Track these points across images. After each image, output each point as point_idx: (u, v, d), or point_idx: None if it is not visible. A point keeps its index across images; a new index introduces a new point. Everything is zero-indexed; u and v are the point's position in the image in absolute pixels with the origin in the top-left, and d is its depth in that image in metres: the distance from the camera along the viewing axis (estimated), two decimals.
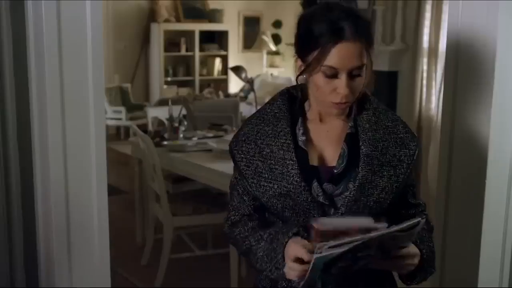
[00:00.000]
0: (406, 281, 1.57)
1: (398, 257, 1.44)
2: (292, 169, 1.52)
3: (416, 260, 1.48)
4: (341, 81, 1.45)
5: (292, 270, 1.41)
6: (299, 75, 1.54)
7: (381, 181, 1.53)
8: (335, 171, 1.54)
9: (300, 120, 1.59)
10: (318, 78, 1.47)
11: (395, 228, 1.32)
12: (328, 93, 1.48)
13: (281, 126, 1.57)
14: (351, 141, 1.56)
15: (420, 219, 1.34)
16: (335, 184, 1.54)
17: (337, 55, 1.43)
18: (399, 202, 1.61)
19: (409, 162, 1.57)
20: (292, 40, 1.56)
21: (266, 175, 1.55)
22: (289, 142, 1.54)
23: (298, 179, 1.51)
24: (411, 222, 1.33)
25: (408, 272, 1.51)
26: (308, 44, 1.48)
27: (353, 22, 1.44)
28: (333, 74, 1.45)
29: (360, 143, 1.54)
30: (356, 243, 1.28)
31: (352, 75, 1.46)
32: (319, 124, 1.59)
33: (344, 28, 1.43)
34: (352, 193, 1.51)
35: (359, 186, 1.51)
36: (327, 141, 1.58)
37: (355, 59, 1.44)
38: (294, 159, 1.53)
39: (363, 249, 1.32)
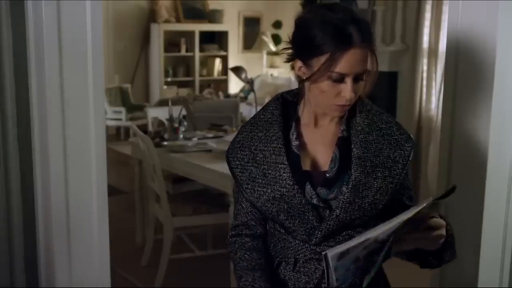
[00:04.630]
0: (434, 264, 1.55)
1: (427, 229, 1.42)
2: (284, 172, 1.53)
3: (443, 231, 1.46)
4: (347, 86, 1.46)
5: None
6: (304, 81, 1.53)
7: (375, 182, 1.53)
8: (327, 175, 1.55)
9: (293, 124, 1.60)
10: (323, 83, 1.47)
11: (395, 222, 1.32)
12: (332, 97, 1.49)
13: (273, 131, 1.58)
14: (344, 144, 1.57)
15: (427, 201, 1.32)
16: (328, 188, 1.55)
17: (346, 62, 1.44)
18: (395, 206, 1.59)
19: (405, 162, 1.56)
20: None
21: (260, 180, 1.56)
22: (281, 146, 1.55)
23: (290, 182, 1.52)
24: (418, 209, 1.32)
25: (437, 249, 1.48)
26: (311, 48, 1.47)
27: (359, 26, 1.44)
28: (339, 79, 1.46)
29: (352, 146, 1.55)
30: (360, 242, 1.30)
31: (356, 79, 1.47)
32: (313, 128, 1.60)
33: (352, 35, 1.43)
34: (346, 195, 1.51)
35: (353, 188, 1.51)
36: (320, 145, 1.59)
37: (362, 64, 1.46)
38: (286, 162, 1.53)
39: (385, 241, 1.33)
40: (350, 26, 1.43)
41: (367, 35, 1.45)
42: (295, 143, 1.58)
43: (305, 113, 1.61)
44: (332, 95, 1.48)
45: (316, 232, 1.53)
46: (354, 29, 1.43)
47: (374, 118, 1.59)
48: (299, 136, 1.59)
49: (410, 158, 1.57)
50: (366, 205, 1.52)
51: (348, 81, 1.46)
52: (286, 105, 1.63)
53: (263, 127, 1.60)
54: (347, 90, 1.46)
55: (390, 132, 1.58)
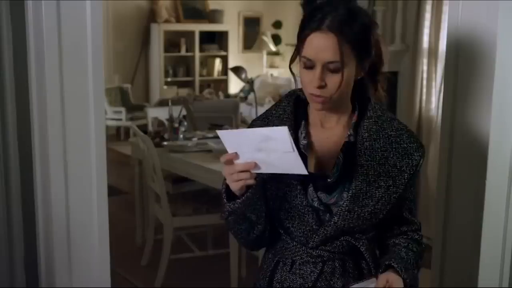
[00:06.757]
0: None
1: None
2: None
3: (399, 284, 1.48)
4: (315, 73, 1.44)
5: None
6: (290, 65, 1.55)
7: (377, 192, 1.51)
8: (329, 180, 1.53)
9: (303, 123, 1.58)
10: (300, 69, 1.48)
11: None
12: (306, 85, 1.47)
13: None
14: (349, 149, 1.54)
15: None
16: (329, 193, 1.53)
17: (310, 45, 1.43)
18: (393, 215, 1.58)
19: (411, 172, 1.53)
20: (292, 41, 1.57)
21: (265, 176, 1.54)
22: None
23: (294, 182, 1.51)
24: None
25: None
26: (298, 37, 1.49)
27: (334, 14, 1.41)
28: (310, 66, 1.44)
29: (356, 153, 1.53)
30: None
31: (331, 70, 1.43)
32: (320, 129, 1.58)
33: (321, 19, 1.41)
34: (345, 203, 1.50)
35: (353, 196, 1.49)
36: (326, 147, 1.57)
37: (328, 52, 1.41)
38: None
39: None
40: (323, 12, 1.42)
41: (339, 23, 1.41)
42: (303, 142, 1.56)
43: (312, 112, 1.59)
44: (306, 82, 1.47)
45: (314, 235, 1.53)
46: (326, 15, 1.41)
47: (384, 125, 1.55)
48: (307, 136, 1.57)
49: (418, 168, 1.54)
50: (366, 214, 1.51)
51: (317, 68, 1.43)
52: (299, 102, 1.61)
53: (274, 123, 1.58)
54: (314, 76, 1.43)
55: (399, 140, 1.54)
